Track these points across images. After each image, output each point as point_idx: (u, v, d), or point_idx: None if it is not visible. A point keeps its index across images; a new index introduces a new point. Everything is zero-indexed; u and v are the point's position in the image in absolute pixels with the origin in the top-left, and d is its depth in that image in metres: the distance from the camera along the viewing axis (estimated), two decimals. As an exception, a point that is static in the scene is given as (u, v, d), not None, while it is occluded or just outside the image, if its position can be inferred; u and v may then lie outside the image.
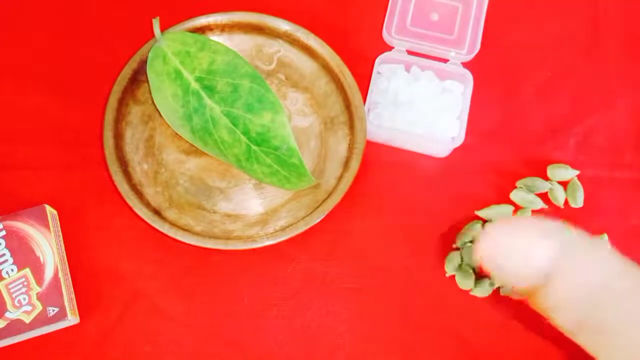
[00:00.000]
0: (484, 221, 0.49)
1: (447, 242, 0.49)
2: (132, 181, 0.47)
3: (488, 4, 0.54)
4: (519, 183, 0.51)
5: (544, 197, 0.50)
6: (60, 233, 0.48)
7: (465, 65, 0.52)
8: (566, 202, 0.50)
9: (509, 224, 0.19)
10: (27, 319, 0.44)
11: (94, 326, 0.46)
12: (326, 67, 0.51)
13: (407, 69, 0.52)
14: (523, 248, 0.19)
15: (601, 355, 0.19)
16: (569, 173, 0.50)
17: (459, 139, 0.49)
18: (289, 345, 0.47)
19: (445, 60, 0.53)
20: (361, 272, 0.48)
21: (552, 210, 0.50)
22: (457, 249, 0.49)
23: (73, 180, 0.50)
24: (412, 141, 0.51)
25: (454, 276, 0.48)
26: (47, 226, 0.46)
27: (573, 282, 0.18)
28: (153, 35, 0.47)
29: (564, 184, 0.50)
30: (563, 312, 0.18)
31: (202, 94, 0.46)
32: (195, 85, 0.46)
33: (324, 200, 0.47)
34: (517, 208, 0.50)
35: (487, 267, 0.19)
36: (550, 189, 0.50)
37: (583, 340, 0.19)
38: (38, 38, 0.54)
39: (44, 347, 0.46)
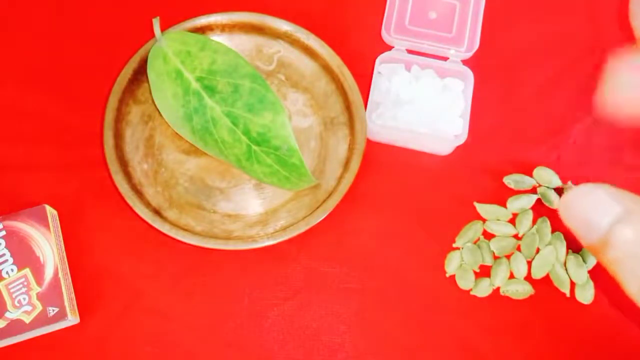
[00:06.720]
0: (484, 220, 0.50)
1: (447, 242, 0.49)
2: (132, 181, 0.47)
3: (486, 1, 0.54)
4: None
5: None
6: (60, 233, 0.48)
7: (465, 62, 0.52)
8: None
9: (585, 189, 0.21)
10: (27, 319, 0.44)
11: (94, 326, 0.46)
12: (326, 68, 0.51)
13: (408, 68, 0.52)
14: (590, 206, 0.21)
15: None
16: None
17: (462, 137, 0.49)
18: (289, 345, 0.47)
19: (445, 59, 0.53)
20: (361, 272, 0.48)
21: (549, 211, 0.50)
22: (457, 248, 0.49)
23: (73, 180, 0.50)
24: (415, 140, 0.51)
25: (454, 276, 0.48)
26: (47, 226, 0.46)
27: (634, 241, 0.20)
28: (153, 35, 0.47)
29: (559, 189, 0.51)
30: (626, 268, 0.20)
31: (203, 94, 0.46)
32: (195, 85, 0.46)
33: (324, 201, 0.47)
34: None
35: (568, 224, 0.22)
36: (547, 189, 0.50)
37: None
38: (38, 38, 0.54)
39: (44, 347, 0.46)
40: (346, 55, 0.51)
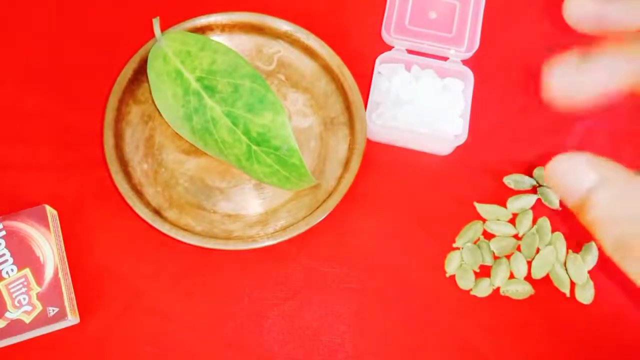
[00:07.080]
0: (484, 220, 0.50)
1: (447, 242, 0.49)
2: (132, 181, 0.47)
3: (486, 1, 0.54)
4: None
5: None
6: (60, 233, 0.48)
7: (465, 62, 0.52)
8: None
9: (566, 157, 0.24)
10: (27, 319, 0.44)
11: (94, 326, 0.46)
12: (326, 68, 0.51)
13: (408, 68, 0.52)
14: (571, 173, 0.23)
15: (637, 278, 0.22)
16: None
17: (463, 137, 0.49)
18: (289, 345, 0.47)
19: (445, 59, 0.53)
20: (361, 272, 0.48)
21: (549, 211, 0.50)
22: (457, 248, 0.49)
23: (73, 180, 0.50)
24: (415, 140, 0.51)
25: (454, 276, 0.48)
26: (47, 226, 0.46)
27: (612, 201, 0.22)
28: (153, 35, 0.47)
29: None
30: (603, 228, 0.22)
31: (203, 94, 0.46)
32: (195, 85, 0.46)
33: (324, 201, 0.47)
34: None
35: (552, 188, 0.25)
36: (547, 189, 0.50)
37: (620, 260, 0.22)
38: (38, 38, 0.54)
39: (44, 347, 0.46)
40: (346, 55, 0.51)
